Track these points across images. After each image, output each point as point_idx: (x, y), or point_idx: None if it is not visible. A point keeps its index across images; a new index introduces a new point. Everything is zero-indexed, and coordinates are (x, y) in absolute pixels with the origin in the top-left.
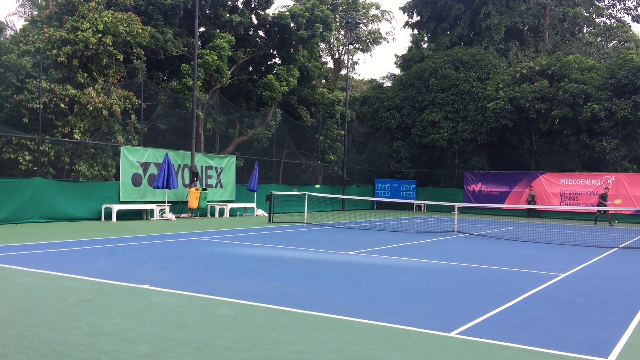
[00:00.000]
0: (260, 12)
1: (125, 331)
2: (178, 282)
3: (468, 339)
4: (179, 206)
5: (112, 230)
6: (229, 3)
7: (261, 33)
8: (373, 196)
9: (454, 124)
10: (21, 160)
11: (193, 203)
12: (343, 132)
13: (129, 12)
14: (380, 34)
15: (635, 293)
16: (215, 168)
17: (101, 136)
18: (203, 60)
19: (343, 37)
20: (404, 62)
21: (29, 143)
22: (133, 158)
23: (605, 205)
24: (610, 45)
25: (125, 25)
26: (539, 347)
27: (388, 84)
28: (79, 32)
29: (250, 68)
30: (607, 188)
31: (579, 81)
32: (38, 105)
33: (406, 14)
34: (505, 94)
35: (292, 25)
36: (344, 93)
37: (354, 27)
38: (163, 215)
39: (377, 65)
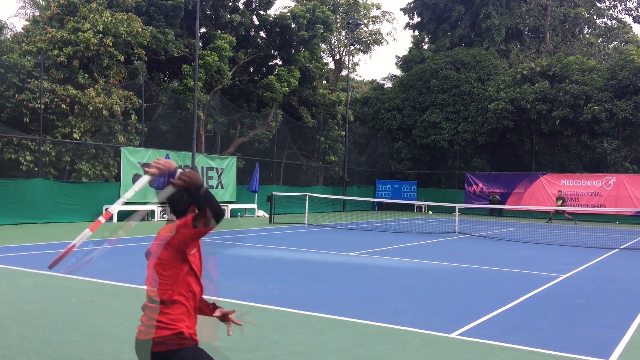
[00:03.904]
0: (261, 13)
1: (126, 332)
2: None
3: (470, 340)
4: None
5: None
6: (230, 4)
7: (262, 34)
8: (374, 197)
9: (455, 124)
10: (22, 161)
11: None
12: (344, 133)
13: (130, 13)
14: (381, 34)
15: (636, 294)
16: (216, 169)
17: (102, 137)
18: (204, 61)
19: (344, 38)
20: (405, 63)
21: (30, 143)
22: (134, 159)
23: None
24: (611, 46)
25: (125, 25)
26: (541, 348)
27: (389, 84)
28: (80, 33)
29: (251, 69)
30: (560, 191)
31: (579, 82)
32: (39, 105)
33: (407, 15)
34: (506, 94)
35: (293, 26)
36: (345, 94)
37: (355, 28)
38: (164, 216)
39: (377, 66)
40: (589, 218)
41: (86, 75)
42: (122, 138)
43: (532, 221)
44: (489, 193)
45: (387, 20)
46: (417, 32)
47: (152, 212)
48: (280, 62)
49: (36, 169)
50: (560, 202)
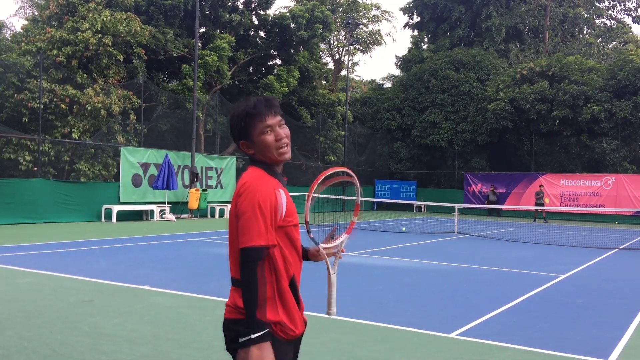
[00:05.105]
0: (261, 13)
1: (125, 332)
2: (178, 283)
3: (468, 340)
4: (179, 207)
5: (112, 231)
6: (229, 3)
7: (261, 34)
8: (373, 197)
9: (454, 124)
10: (21, 161)
11: (193, 204)
12: (343, 133)
13: (129, 12)
14: (380, 34)
15: (635, 294)
16: (216, 169)
17: (101, 136)
18: (203, 60)
19: (343, 38)
20: (404, 63)
21: (29, 143)
22: (133, 159)
23: (542, 203)
24: (611, 46)
25: (124, 25)
26: (539, 348)
27: (388, 84)
28: (79, 33)
29: (251, 69)
30: (541, 185)
31: (579, 82)
32: (38, 105)
33: (406, 15)
34: (505, 95)
35: (292, 25)
36: (345, 94)
37: (354, 27)
38: (163, 216)
39: (377, 66)
40: (589, 218)
41: (85, 75)
42: (121, 138)
43: (531, 221)
44: (487, 193)
45: (387, 20)
46: (416, 32)
47: (152, 212)
48: (279, 62)
49: (35, 168)
50: (541, 195)
